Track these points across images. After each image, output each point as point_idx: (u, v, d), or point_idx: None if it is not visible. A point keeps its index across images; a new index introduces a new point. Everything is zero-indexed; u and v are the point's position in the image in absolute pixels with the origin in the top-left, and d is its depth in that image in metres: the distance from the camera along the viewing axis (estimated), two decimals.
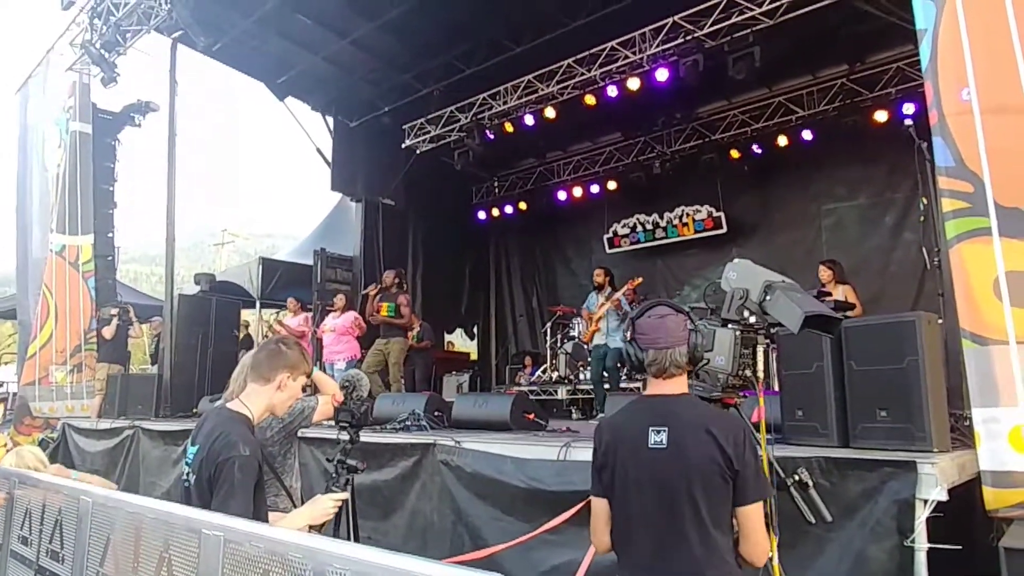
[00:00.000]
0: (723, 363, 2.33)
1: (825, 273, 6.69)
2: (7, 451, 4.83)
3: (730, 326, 2.37)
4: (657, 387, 2.07)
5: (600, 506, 2.07)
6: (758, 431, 2.45)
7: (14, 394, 11.55)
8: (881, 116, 8.69)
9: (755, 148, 9.98)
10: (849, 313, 5.96)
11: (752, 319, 2.36)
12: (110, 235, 10.99)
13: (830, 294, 6.34)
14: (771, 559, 2.42)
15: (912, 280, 8.28)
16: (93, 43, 8.48)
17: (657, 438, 1.96)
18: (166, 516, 2.01)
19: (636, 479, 1.97)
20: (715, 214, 10.37)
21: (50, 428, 10.19)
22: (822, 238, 9.69)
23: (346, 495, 2.58)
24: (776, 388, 4.50)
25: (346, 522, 2.71)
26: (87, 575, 2.38)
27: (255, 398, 2.38)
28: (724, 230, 10.27)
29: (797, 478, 2.44)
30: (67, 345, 10.47)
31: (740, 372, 2.38)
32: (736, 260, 2.56)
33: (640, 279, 8.05)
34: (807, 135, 9.46)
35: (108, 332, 9.76)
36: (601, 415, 6.44)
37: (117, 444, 8.20)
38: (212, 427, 2.29)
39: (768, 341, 2.48)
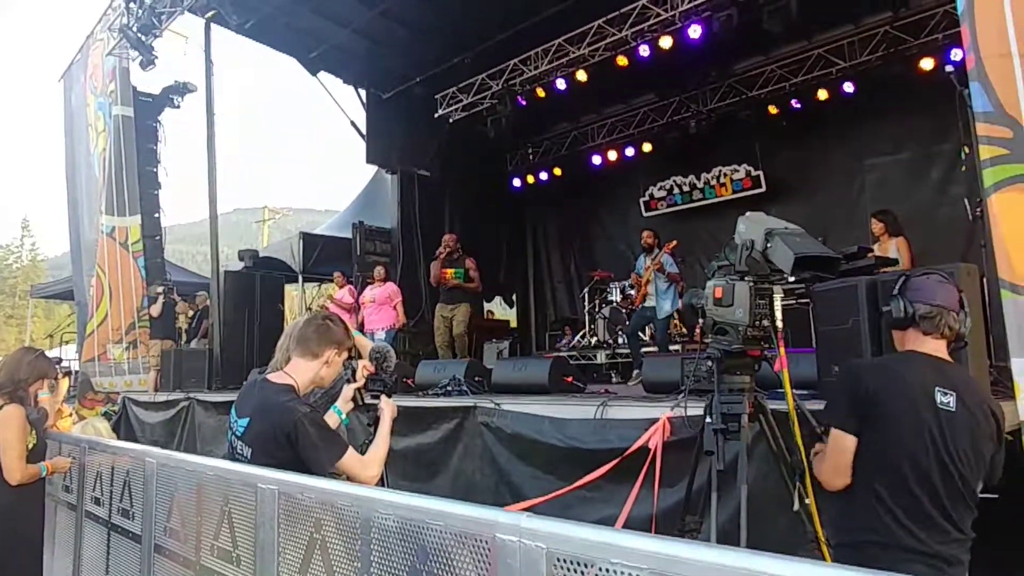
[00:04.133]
0: (742, 315, 2.37)
1: (877, 225, 6.50)
2: (74, 423, 5.14)
3: (746, 278, 2.41)
4: (929, 346, 2.11)
5: (850, 443, 2.07)
6: (781, 382, 2.49)
7: (76, 371, 12.09)
8: (927, 64, 8.36)
9: (794, 103, 9.71)
10: (896, 268, 5.85)
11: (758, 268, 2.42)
12: (156, 215, 11.34)
13: (871, 250, 6.20)
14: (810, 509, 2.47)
15: (960, 234, 8.02)
16: (130, 27, 8.65)
17: (945, 399, 2.00)
18: (225, 473, 2.15)
19: (917, 432, 1.99)
20: (753, 173, 10.18)
21: (111, 402, 10.69)
22: (866, 194, 9.44)
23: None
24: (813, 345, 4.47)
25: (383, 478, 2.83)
26: (156, 530, 2.55)
27: (301, 371, 2.46)
28: (763, 189, 10.08)
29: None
30: (122, 323, 10.92)
31: (758, 323, 2.42)
32: (747, 214, 2.59)
33: (675, 242, 7.98)
34: (848, 88, 9.16)
35: (155, 310, 10.15)
36: (637, 372, 6.48)
37: (174, 415, 8.59)
38: (260, 400, 2.37)
39: (788, 293, 2.53)
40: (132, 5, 8.62)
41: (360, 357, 3.35)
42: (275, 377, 2.44)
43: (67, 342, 19.24)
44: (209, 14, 8.96)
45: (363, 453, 2.45)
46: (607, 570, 1.09)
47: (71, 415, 5.54)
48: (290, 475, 1.88)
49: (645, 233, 8.02)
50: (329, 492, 1.69)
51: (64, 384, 4.44)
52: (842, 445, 2.08)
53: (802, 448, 2.59)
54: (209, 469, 2.27)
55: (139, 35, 8.61)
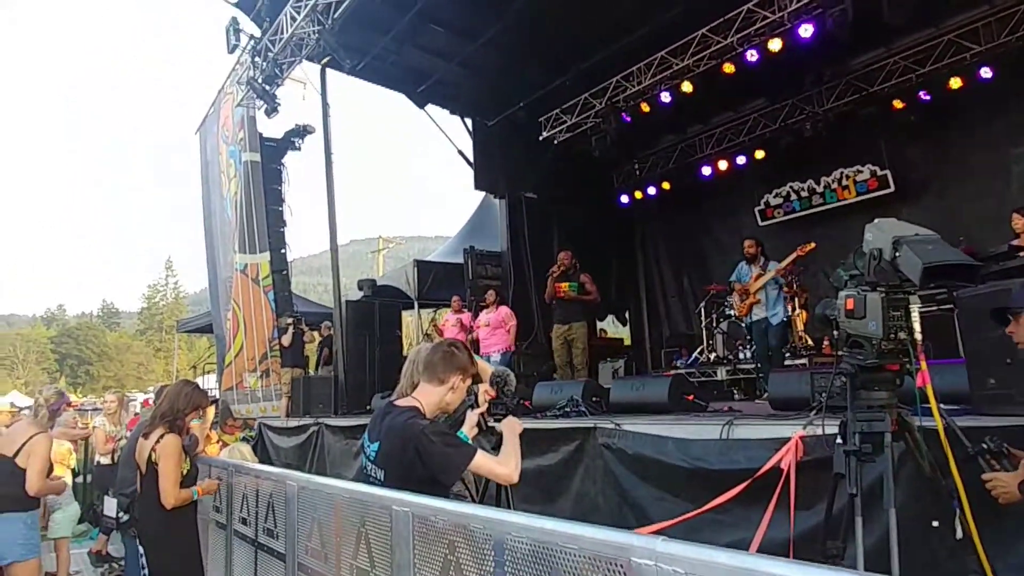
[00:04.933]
0: (875, 328, 2.22)
1: (1020, 221, 5.97)
2: (220, 448, 5.54)
3: (878, 289, 2.25)
4: None
5: None
6: (925, 399, 2.30)
7: (218, 399, 13.06)
8: None
9: (922, 95, 9.05)
10: None
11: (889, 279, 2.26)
12: (283, 251, 12.09)
13: (1022, 248, 5.66)
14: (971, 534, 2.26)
15: None
16: (256, 79, 9.36)
17: None
18: (361, 496, 2.23)
19: None
20: (879, 173, 9.57)
21: (248, 428, 11.44)
22: (1012, 185, 8.60)
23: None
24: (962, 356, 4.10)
25: (506, 502, 2.84)
26: (298, 549, 2.69)
27: (428, 396, 2.53)
28: (891, 189, 9.45)
29: (985, 447, 2.26)
30: (256, 353, 11.71)
31: (893, 336, 2.26)
32: (876, 220, 2.43)
33: (813, 244, 7.53)
34: (986, 73, 8.43)
35: (286, 340, 10.77)
36: (766, 393, 6.20)
37: (305, 440, 9.06)
38: (388, 424, 2.46)
39: (929, 300, 2.38)
40: (258, 59, 9.33)
41: (481, 382, 3.41)
42: (402, 402, 2.53)
43: (208, 372, 20.88)
44: (324, 60, 9.55)
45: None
46: None
47: (218, 441, 5.99)
48: (423, 498, 1.93)
49: (748, 242, 7.72)
50: (461, 515, 1.72)
51: (211, 412, 4.80)
52: None
53: (955, 470, 2.38)
54: (345, 492, 2.37)
55: (264, 85, 9.30)
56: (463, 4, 8.81)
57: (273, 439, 10.14)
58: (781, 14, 7.57)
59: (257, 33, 9.42)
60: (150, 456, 3.72)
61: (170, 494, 3.67)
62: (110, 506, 4.96)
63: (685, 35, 8.56)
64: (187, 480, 3.87)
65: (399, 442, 2.35)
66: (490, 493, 2.78)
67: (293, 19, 8.36)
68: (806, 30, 7.57)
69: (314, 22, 8.06)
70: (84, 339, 59.62)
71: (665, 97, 9.30)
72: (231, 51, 9.86)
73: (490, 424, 2.80)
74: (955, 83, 8.70)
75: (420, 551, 1.89)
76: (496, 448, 2.67)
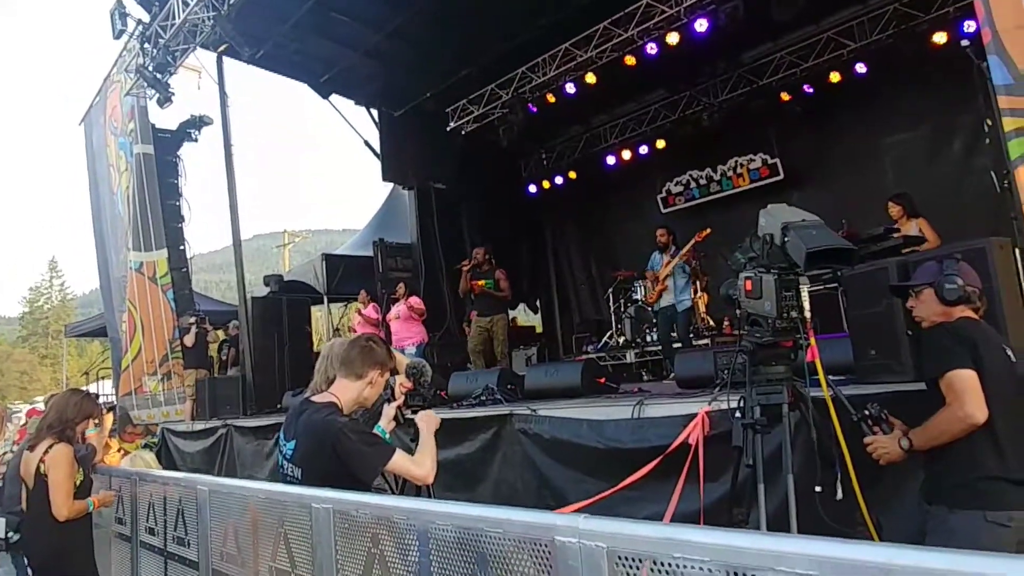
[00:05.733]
0: (770, 308, 2.40)
1: (894, 209, 6.46)
2: (121, 456, 5.25)
3: (772, 271, 2.43)
4: (976, 316, 2.58)
5: (977, 377, 2.36)
6: (814, 372, 2.51)
7: (115, 406, 12.33)
8: (940, 38, 8.25)
9: (806, 88, 9.64)
10: (925, 246, 5.79)
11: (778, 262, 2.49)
12: (182, 248, 11.52)
13: (898, 230, 6.15)
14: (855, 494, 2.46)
15: (987, 207, 7.89)
16: (146, 67, 8.85)
17: (1009, 352, 2.51)
18: (278, 495, 2.19)
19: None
20: (770, 161, 10.12)
21: (150, 434, 10.87)
22: (888, 174, 9.31)
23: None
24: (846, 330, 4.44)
25: (426, 489, 2.86)
26: (212, 555, 2.60)
27: (346, 392, 2.50)
28: (781, 176, 10.02)
29: (867, 412, 2.48)
30: (155, 356, 11.11)
31: (786, 315, 2.45)
32: (769, 206, 2.62)
33: (708, 230, 7.93)
34: (861, 68, 9.06)
35: (189, 340, 10.30)
36: (673, 374, 6.48)
37: (213, 443, 8.71)
38: (304, 421, 2.42)
39: (816, 279, 2.63)
40: (147, 46, 8.82)
41: (397, 374, 3.40)
42: (318, 398, 2.50)
43: (103, 378, 19.61)
44: (221, 48, 9.13)
45: None
46: (670, 564, 1.11)
47: (119, 450, 5.66)
48: (344, 493, 1.92)
49: (660, 231, 8.03)
50: (384, 507, 1.72)
51: (109, 420, 4.54)
52: (974, 382, 2.34)
53: (840, 435, 2.59)
54: (261, 492, 2.32)
55: (155, 74, 8.81)
56: None
57: (178, 444, 9.69)
58: (678, 8, 7.86)
59: (146, 18, 8.90)
60: (38, 468, 3.50)
61: (62, 505, 3.46)
62: None
63: (588, 28, 8.74)
64: (81, 491, 3.65)
65: (316, 440, 2.32)
66: (410, 485, 2.79)
67: (185, 4, 7.95)
68: (701, 25, 7.91)
69: (209, 8, 7.69)
70: None
71: (570, 88, 9.49)
72: (117, 37, 9.26)
73: (408, 416, 2.80)
74: (835, 77, 9.31)
75: (343, 547, 1.88)
76: (415, 440, 2.67)
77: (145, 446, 9.95)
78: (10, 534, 4.30)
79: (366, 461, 2.25)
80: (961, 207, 8.25)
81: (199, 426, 9.29)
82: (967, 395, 2.31)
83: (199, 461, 8.93)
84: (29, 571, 3.57)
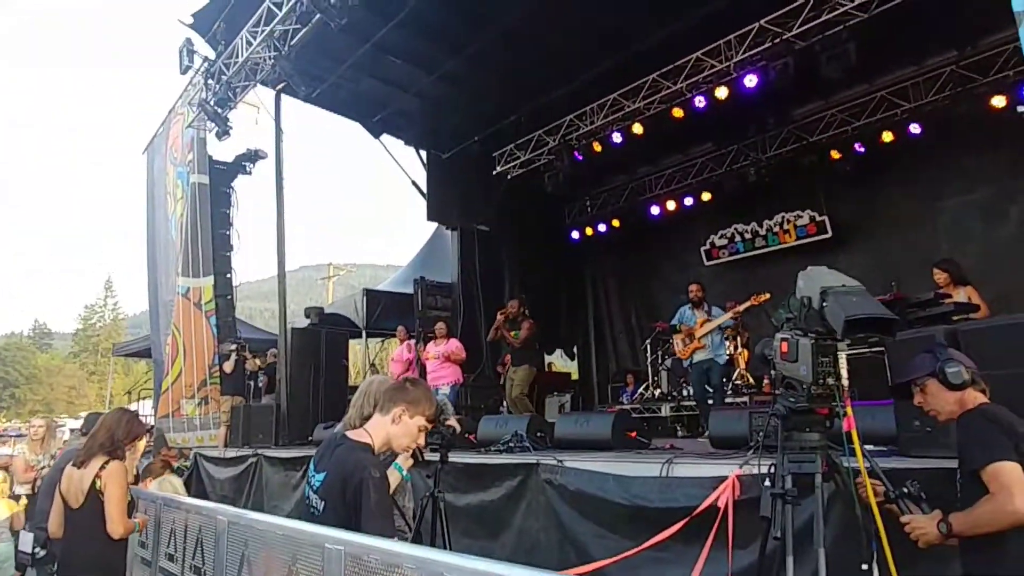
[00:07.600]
0: (805, 373, 2.32)
1: (940, 276, 6.24)
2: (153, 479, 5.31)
3: (809, 334, 2.35)
4: (987, 400, 2.46)
5: (1021, 470, 2.24)
6: (850, 441, 2.40)
7: (153, 426, 12.54)
8: (999, 101, 8.11)
9: (858, 147, 9.54)
10: (974, 315, 5.57)
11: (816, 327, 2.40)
12: (228, 276, 11.80)
13: (949, 295, 5.94)
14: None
15: None
16: (208, 101, 9.22)
17: None
18: (293, 532, 2.17)
19: None
20: (818, 218, 9.97)
21: (184, 458, 11.00)
22: (940, 237, 9.07)
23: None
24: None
25: (442, 535, 2.80)
26: None
27: (378, 430, 2.45)
28: (829, 235, 9.85)
29: (906, 491, 2.35)
30: (195, 380, 11.33)
31: (822, 381, 2.36)
32: (809, 268, 2.54)
33: (769, 295, 7.55)
34: (915, 128, 8.94)
35: (228, 367, 10.46)
36: (708, 432, 6.30)
37: (242, 471, 8.76)
38: (338, 456, 2.38)
39: (861, 342, 2.52)
40: (211, 81, 9.21)
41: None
42: (354, 435, 2.45)
43: (144, 398, 20.05)
44: (280, 86, 9.49)
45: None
46: None
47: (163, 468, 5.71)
48: (358, 536, 1.89)
49: (693, 286, 7.76)
50: (395, 554, 1.68)
51: (142, 443, 4.60)
52: (1019, 474, 2.20)
53: (875, 509, 2.46)
54: (278, 528, 2.31)
55: (216, 108, 9.16)
56: (421, 37, 8.91)
57: (209, 469, 9.78)
58: (727, 63, 7.91)
59: (211, 55, 9.31)
60: (93, 484, 3.51)
61: (118, 522, 3.44)
62: (25, 541, 4.67)
63: (637, 79, 8.84)
64: (129, 511, 3.68)
65: (343, 477, 2.29)
66: (426, 523, 2.74)
67: (249, 43, 8.29)
68: (751, 80, 7.92)
69: (271, 48, 8.00)
70: (11, 360, 56.70)
71: (616, 137, 9.57)
72: (183, 72, 9.69)
73: (427, 456, 2.77)
74: (887, 137, 9.20)
75: None
76: (431, 477, 2.64)
77: (176, 470, 10.06)
78: (37, 549, 4.35)
79: (369, 526, 2.21)
80: (1017, 274, 7.96)
81: (230, 453, 9.37)
82: (1016, 488, 2.17)
83: (228, 488, 8.98)
84: None
